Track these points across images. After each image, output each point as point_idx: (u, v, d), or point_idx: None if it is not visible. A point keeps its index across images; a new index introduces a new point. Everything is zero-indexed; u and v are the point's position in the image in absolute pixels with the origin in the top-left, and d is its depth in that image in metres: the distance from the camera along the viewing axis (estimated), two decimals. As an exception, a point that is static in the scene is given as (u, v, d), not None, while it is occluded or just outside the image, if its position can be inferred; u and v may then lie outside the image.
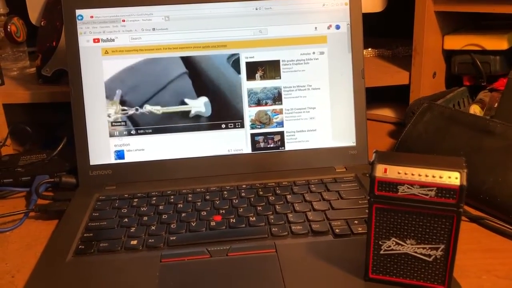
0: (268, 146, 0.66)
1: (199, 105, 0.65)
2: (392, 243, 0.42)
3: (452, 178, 0.39)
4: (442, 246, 0.41)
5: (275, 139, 0.66)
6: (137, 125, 0.65)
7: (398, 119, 0.87)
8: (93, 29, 0.64)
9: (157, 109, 0.64)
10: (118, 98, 0.65)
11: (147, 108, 0.64)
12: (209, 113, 0.65)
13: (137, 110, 0.64)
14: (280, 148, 0.67)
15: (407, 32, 0.80)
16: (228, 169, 0.65)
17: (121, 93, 0.65)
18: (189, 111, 0.65)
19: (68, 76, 0.64)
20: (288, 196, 0.59)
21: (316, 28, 0.66)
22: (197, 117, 0.65)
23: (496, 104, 0.69)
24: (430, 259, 0.42)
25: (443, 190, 0.39)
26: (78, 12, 0.64)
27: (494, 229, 0.55)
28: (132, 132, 0.65)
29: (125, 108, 0.64)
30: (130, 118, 0.65)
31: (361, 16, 0.67)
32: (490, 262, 0.50)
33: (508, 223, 0.55)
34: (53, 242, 0.53)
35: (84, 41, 0.64)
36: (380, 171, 0.41)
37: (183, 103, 0.65)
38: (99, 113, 0.65)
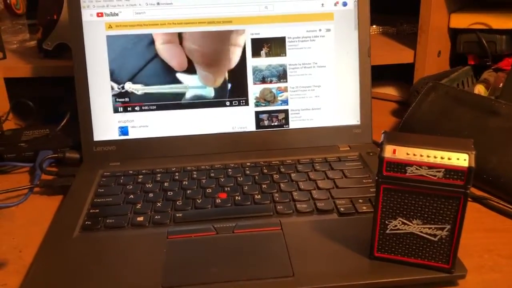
0: (272, 124, 0.66)
1: (195, 83, 0.64)
2: (399, 222, 0.43)
3: (461, 160, 0.39)
4: (448, 227, 0.42)
5: (280, 117, 0.66)
6: (141, 100, 0.65)
7: (402, 98, 0.87)
8: (96, 3, 0.63)
9: (148, 88, 0.64)
10: (121, 74, 0.64)
11: (131, 86, 0.63)
12: (212, 93, 0.65)
13: (123, 88, 0.63)
14: (284, 126, 0.66)
15: (412, 9, 0.79)
16: (232, 146, 0.65)
17: (124, 69, 0.64)
18: (183, 93, 0.64)
19: (71, 51, 0.64)
20: (293, 175, 0.59)
21: (322, 4, 0.65)
22: (199, 95, 0.65)
23: (501, 84, 0.69)
24: (436, 239, 0.42)
25: (451, 171, 0.40)
26: (81, -15, 0.63)
27: (497, 209, 0.56)
28: (136, 108, 0.65)
29: (120, 84, 0.64)
30: (134, 94, 0.64)
31: (368, -7, 0.66)
32: (492, 241, 0.50)
33: (510, 204, 0.56)
34: (60, 218, 0.54)
35: (88, 15, 0.63)
36: (389, 152, 0.41)
37: (176, 80, 0.64)
38: (103, 89, 0.64)
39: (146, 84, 0.64)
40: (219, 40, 0.65)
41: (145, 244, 0.48)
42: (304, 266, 0.44)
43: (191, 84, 0.65)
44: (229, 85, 0.65)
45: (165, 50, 0.64)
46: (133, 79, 0.64)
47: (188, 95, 0.65)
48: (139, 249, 0.48)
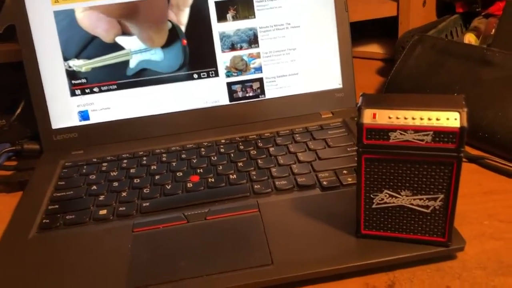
0: (247, 95, 0.61)
1: (138, 46, 0.57)
2: (385, 195, 0.38)
3: (451, 119, 0.34)
4: (441, 196, 0.37)
5: (254, 87, 0.61)
6: (99, 80, 0.59)
7: (387, 55, 0.81)
8: (37, -25, 0.57)
9: (90, 62, 0.57)
10: (74, 53, 0.58)
11: (74, 63, 0.57)
12: (161, 55, 0.58)
13: (69, 67, 0.57)
14: (260, 96, 0.61)
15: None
16: (204, 123, 0.60)
17: (74, 46, 0.58)
18: (127, 61, 0.58)
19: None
20: (271, 149, 0.54)
21: (291, -43, 0.59)
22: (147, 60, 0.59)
23: (493, 31, 0.63)
24: (428, 211, 0.38)
25: (440, 134, 0.34)
26: (18, -44, 0.56)
27: (495, 169, 0.51)
28: (94, 89, 0.59)
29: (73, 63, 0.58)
30: (90, 73, 0.58)
31: None
32: (492, 205, 0.46)
33: (509, 161, 0.51)
34: (16, 218, 0.49)
35: (29, -10, 0.57)
36: (368, 117, 0.36)
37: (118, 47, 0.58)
38: (56, 71, 0.58)
39: (88, 58, 0.58)
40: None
41: (108, 241, 0.43)
42: (285, 252, 0.40)
43: (134, 48, 0.58)
44: (183, 47, 0.59)
45: (85, 20, 0.57)
46: (78, 55, 0.58)
47: (134, 62, 0.58)
48: (101, 247, 0.43)
